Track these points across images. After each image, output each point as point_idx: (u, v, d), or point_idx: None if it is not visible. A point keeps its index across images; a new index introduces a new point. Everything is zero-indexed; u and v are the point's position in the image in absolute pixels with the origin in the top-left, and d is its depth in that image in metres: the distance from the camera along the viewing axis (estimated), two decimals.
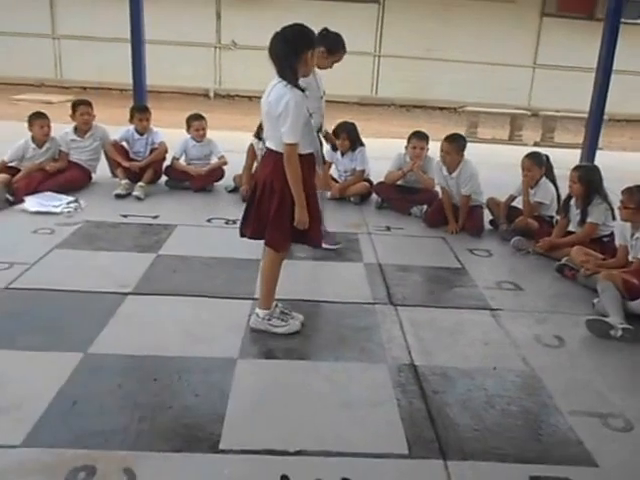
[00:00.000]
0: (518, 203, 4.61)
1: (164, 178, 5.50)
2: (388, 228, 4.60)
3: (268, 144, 2.80)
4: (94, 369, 2.52)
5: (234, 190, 5.43)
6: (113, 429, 2.15)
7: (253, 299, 3.18)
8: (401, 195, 5.00)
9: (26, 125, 5.10)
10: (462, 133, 5.71)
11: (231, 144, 5.93)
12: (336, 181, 5.35)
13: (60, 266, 3.57)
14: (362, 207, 5.15)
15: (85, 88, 13.03)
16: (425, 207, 4.93)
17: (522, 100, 13.31)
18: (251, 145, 5.38)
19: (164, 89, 12.34)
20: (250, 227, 2.84)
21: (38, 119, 5.07)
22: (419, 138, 4.96)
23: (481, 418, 2.33)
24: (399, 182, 5.05)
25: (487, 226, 4.68)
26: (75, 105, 5.30)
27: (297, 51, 2.60)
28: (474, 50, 12.98)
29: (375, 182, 5.24)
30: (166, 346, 2.72)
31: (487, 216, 4.75)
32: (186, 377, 2.50)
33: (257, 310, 2.89)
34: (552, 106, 11.60)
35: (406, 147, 5.04)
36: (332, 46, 3.71)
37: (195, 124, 5.46)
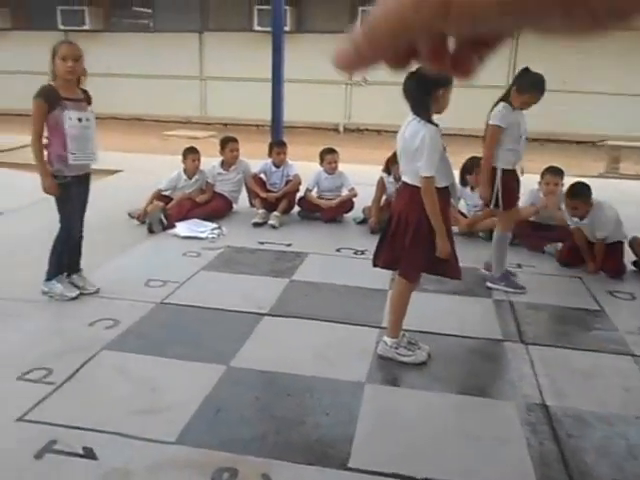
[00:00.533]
0: None
1: (297, 208, 5.81)
2: (519, 265, 4.50)
3: (404, 178, 2.92)
4: (235, 382, 2.74)
5: (363, 222, 5.60)
6: (252, 437, 2.33)
7: (380, 327, 3.28)
8: (534, 232, 4.88)
9: (176, 158, 5.66)
10: (600, 170, 5.48)
11: (360, 177, 6.14)
12: (465, 216, 5.35)
13: (205, 286, 3.90)
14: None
15: (226, 124, 14.06)
16: (560, 245, 4.78)
17: None
18: (381, 179, 5.56)
19: (297, 124, 13.01)
20: (383, 257, 2.96)
21: (191, 153, 5.62)
22: (553, 174, 4.85)
23: (621, 468, 2.23)
24: (532, 218, 4.95)
25: (630, 267, 4.43)
26: (224, 142, 5.79)
27: (429, 90, 2.72)
28: (614, 81, 12.36)
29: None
30: (299, 365, 2.88)
31: (630, 256, 4.49)
32: (317, 396, 2.64)
33: (385, 338, 2.98)
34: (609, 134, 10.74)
35: (539, 182, 4.93)
36: (519, 86, 3.75)
37: (328, 157, 5.74)
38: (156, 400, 2.56)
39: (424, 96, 2.74)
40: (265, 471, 2.14)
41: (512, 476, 2.17)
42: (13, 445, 2.23)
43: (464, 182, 5.29)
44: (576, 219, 4.39)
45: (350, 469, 2.18)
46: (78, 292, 3.60)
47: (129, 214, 5.33)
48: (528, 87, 3.68)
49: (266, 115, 7.70)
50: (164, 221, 5.13)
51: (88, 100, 3.47)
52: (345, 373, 2.83)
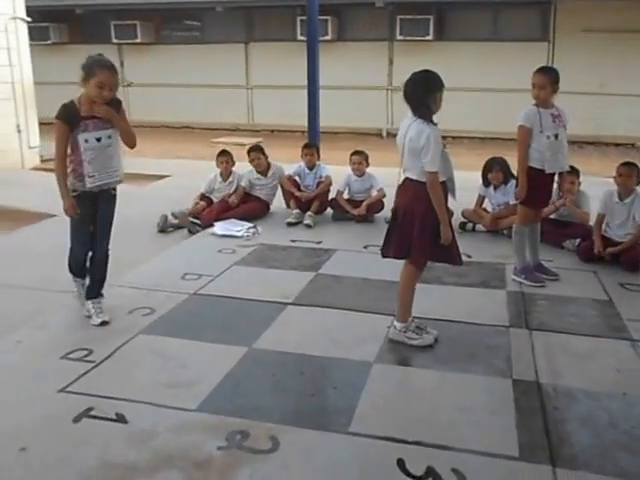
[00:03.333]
0: None
1: (331, 210, 6.09)
2: None
3: (408, 175, 3.17)
4: (255, 361, 3.06)
5: None
6: (266, 406, 2.63)
7: (393, 315, 3.51)
8: (554, 228, 5.01)
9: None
10: None
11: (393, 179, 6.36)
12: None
13: (237, 279, 4.24)
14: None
15: (272, 131, 14.51)
16: (579, 241, 4.89)
17: None
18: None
19: (340, 130, 13.32)
20: (393, 248, 3.21)
21: (221, 156, 6.04)
22: (569, 173, 4.95)
23: (600, 436, 2.41)
24: (552, 216, 5.07)
25: None
26: (248, 152, 6.16)
27: (429, 92, 2.96)
28: None
29: None
30: (314, 347, 3.17)
31: None
32: (328, 373, 2.93)
33: (395, 322, 3.24)
34: None
35: (557, 182, 5.06)
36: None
37: (353, 159, 6.00)
38: (182, 375, 2.90)
39: (425, 98, 2.99)
40: (273, 434, 2.43)
41: (496, 441, 2.39)
42: (55, 412, 2.60)
43: (487, 182, 5.47)
44: (616, 200, 4.52)
45: (350, 433, 2.45)
46: (104, 319, 3.45)
47: (172, 214, 5.74)
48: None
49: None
50: (197, 222, 5.54)
51: (118, 107, 3.32)
52: (356, 354, 3.10)
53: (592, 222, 4.79)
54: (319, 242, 5.19)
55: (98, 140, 3.25)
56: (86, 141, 3.22)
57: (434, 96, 2.98)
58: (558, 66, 4.46)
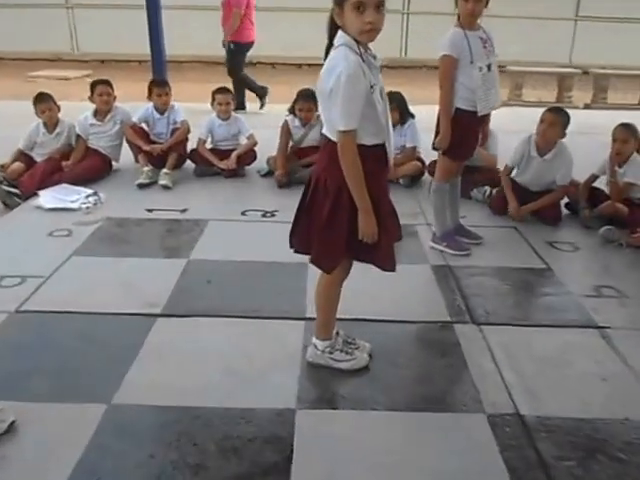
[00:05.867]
0: (600, 184, 3.99)
1: (192, 165, 4.95)
2: None
3: (324, 130, 2.22)
4: (119, 425, 2.03)
5: (268, 174, 4.87)
6: None
7: (305, 319, 2.65)
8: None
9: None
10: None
11: (259, 120, 5.36)
12: None
13: (79, 279, 3.06)
14: (415, 191, 4.55)
15: (103, 61, 12.46)
16: (487, 189, 4.32)
17: (564, 57, 12.37)
18: (285, 122, 4.80)
19: (185, 59, 11.71)
20: (297, 237, 2.27)
21: (40, 103, 4.58)
22: None
23: None
24: None
25: (563, 210, 4.04)
26: (93, 85, 4.76)
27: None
28: (514, 6, 11.98)
29: (428, 161, 4.61)
30: (204, 392, 2.19)
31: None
32: (228, 443, 1.96)
33: (315, 340, 2.35)
34: (597, 62, 10.67)
35: None
36: None
37: (219, 98, 4.87)
38: None
39: (333, 12, 2.00)
40: None
41: None
42: None
43: None
44: (534, 154, 3.89)
45: None
46: None
47: None
48: None
49: (148, 49, 6.62)
50: (15, 191, 4.15)
51: None
52: (269, 397, 2.18)
53: (500, 167, 4.21)
54: (184, 210, 4.09)
55: None
56: None
57: (342, 6, 1.95)
58: None
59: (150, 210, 4.07)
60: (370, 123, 2.04)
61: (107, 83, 4.77)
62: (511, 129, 4.95)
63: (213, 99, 4.90)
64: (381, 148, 2.11)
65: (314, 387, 2.24)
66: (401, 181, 4.64)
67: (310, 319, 2.61)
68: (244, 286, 3.02)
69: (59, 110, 4.65)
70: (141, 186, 4.53)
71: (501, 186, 4.09)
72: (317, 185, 2.16)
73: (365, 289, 2.78)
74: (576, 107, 8.70)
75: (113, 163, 4.88)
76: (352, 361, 2.32)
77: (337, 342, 2.34)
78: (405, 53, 13.41)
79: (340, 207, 2.09)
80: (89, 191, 4.27)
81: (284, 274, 3.15)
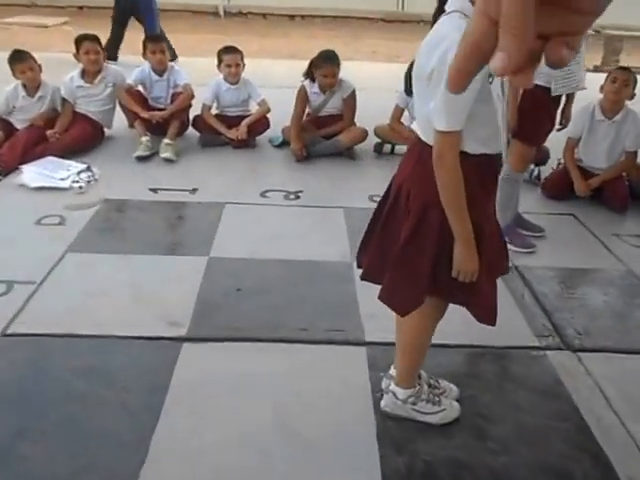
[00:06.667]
0: None
1: (196, 133, 4.33)
2: None
3: (413, 125, 1.68)
4: None
5: (283, 144, 4.29)
6: None
7: (367, 344, 2.16)
8: None
9: None
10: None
11: (263, 79, 4.74)
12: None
13: (77, 286, 2.50)
14: None
15: (82, 7, 11.43)
16: (536, 169, 3.82)
17: None
18: (302, 88, 4.19)
19: (169, 7, 10.78)
20: (369, 257, 1.75)
21: (19, 63, 3.84)
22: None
23: None
24: None
25: None
26: (78, 41, 4.07)
27: None
28: None
29: None
30: (252, 456, 1.71)
31: None
32: None
33: (393, 387, 1.85)
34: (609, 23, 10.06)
35: None
36: None
37: (227, 59, 4.22)
38: None
39: None
40: None
41: None
42: None
43: (410, 89, 4.06)
44: (600, 117, 3.43)
45: None
46: None
47: None
48: None
49: None
50: None
51: None
52: (347, 470, 1.70)
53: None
54: (194, 190, 3.52)
55: None
56: None
57: None
58: None
59: (154, 190, 3.49)
60: (481, 125, 1.49)
61: (94, 39, 4.09)
62: None
63: (220, 60, 4.24)
64: (490, 159, 1.57)
65: (396, 453, 1.75)
66: None
67: (371, 343, 2.14)
68: (282, 295, 2.50)
69: (41, 70, 3.96)
70: (140, 159, 3.93)
71: (558, 167, 3.59)
72: (397, 198, 1.63)
73: None
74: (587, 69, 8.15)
75: (105, 130, 4.25)
76: (440, 413, 1.84)
77: (422, 390, 1.84)
78: (402, 7, 12.60)
79: (424, 232, 1.56)
80: (81, 166, 3.66)
81: (325, 276, 2.65)
